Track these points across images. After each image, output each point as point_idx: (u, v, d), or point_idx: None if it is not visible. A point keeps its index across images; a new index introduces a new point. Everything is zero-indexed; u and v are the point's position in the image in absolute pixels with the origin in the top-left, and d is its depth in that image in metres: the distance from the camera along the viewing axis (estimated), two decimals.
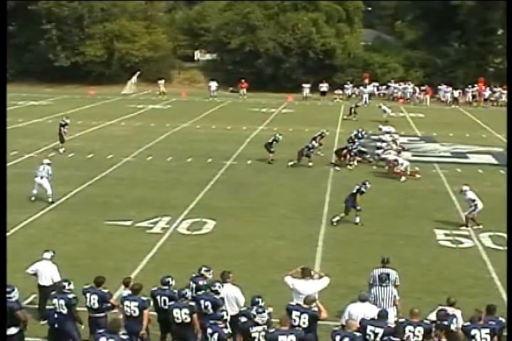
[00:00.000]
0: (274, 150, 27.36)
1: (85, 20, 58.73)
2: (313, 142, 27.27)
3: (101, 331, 10.06)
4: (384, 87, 54.77)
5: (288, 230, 18.79)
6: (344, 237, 18.28)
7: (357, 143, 27.91)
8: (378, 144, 29.04)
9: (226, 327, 10.38)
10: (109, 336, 9.80)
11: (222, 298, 11.22)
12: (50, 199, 20.90)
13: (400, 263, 14.19)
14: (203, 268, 12.11)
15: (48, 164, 21.40)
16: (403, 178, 25.09)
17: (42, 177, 20.95)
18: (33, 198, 21.05)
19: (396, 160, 25.61)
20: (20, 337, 10.81)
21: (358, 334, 10.02)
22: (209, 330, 10.40)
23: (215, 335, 10.26)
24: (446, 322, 10.58)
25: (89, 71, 57.89)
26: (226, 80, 56.46)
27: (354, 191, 19.64)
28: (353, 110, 41.44)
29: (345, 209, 19.44)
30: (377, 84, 54.87)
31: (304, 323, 10.50)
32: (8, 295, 10.75)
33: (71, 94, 53.54)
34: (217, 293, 11.19)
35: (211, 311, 11.00)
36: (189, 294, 11.13)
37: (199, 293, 11.40)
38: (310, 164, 26.63)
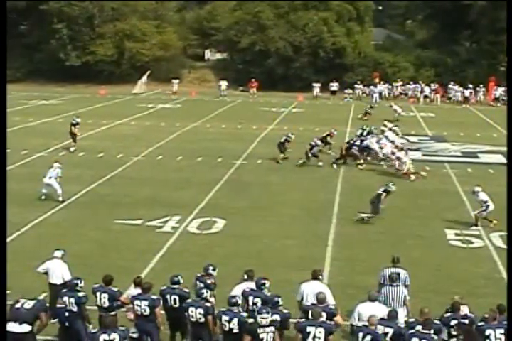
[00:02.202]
0: (287, 149, 27.25)
1: (96, 19, 58.89)
2: (316, 140, 27.14)
3: (94, 331, 10.12)
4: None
5: (298, 229, 18.79)
6: (354, 237, 18.26)
7: (357, 140, 27.76)
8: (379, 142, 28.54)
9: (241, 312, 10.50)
10: (109, 332, 9.80)
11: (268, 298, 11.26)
12: (60, 199, 20.98)
13: (410, 263, 14.16)
14: (210, 268, 12.10)
15: (59, 168, 21.48)
16: (413, 177, 25.04)
17: (50, 178, 21.03)
18: (43, 197, 21.13)
19: (397, 157, 25.74)
20: (32, 336, 10.81)
21: (401, 325, 9.96)
22: (225, 317, 10.45)
23: (235, 320, 10.34)
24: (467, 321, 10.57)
25: (100, 70, 58.03)
26: (236, 79, 56.48)
27: (380, 191, 19.54)
28: (367, 111, 41.39)
29: (373, 210, 19.30)
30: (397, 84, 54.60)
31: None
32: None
33: (81, 93, 53.69)
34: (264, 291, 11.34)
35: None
36: (206, 294, 11.15)
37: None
38: (320, 163, 26.59)
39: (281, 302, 10.85)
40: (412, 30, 73.42)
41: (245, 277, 11.76)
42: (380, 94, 51.89)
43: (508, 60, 46.37)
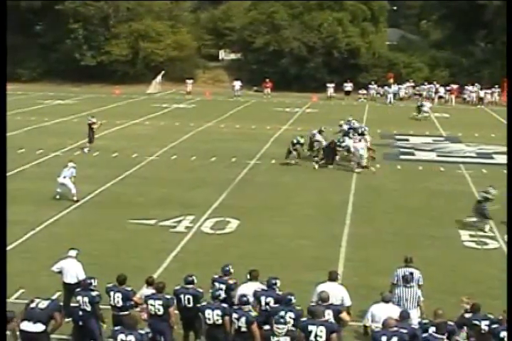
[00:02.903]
0: (295, 151, 26.86)
1: (111, 19, 59.15)
2: (298, 137, 26.90)
3: (117, 328, 10.09)
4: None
5: (311, 230, 18.74)
6: (368, 237, 18.18)
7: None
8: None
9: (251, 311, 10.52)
10: (128, 332, 9.83)
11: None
12: (75, 198, 21.03)
13: (424, 264, 14.08)
14: (230, 267, 12.05)
15: (73, 167, 21.51)
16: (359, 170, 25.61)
17: (64, 177, 21.08)
18: (57, 196, 21.20)
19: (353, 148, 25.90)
20: (45, 336, 10.84)
21: (404, 330, 9.91)
22: (235, 315, 10.46)
23: (243, 319, 10.34)
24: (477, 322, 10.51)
25: (115, 70, 58.23)
26: (250, 80, 56.52)
27: (480, 198, 19.34)
28: (420, 109, 41.49)
29: (483, 217, 18.94)
30: (412, 84, 54.40)
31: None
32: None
33: (96, 93, 53.88)
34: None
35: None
36: (223, 295, 11.14)
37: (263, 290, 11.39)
38: (293, 161, 26.60)
39: (294, 301, 10.82)
40: (426, 31, 73.18)
41: (248, 277, 11.72)
42: (395, 94, 51.73)
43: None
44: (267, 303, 11.15)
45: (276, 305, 10.89)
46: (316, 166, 26.39)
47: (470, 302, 11.22)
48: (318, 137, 27.18)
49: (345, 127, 29.63)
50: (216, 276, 12.00)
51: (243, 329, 10.50)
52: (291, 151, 26.63)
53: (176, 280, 11.96)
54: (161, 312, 11.02)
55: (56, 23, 58.07)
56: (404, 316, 10.47)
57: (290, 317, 10.51)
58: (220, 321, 10.79)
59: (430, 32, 71.72)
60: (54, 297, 12.85)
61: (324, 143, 27.02)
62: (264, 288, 11.45)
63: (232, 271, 12.02)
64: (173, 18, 62.63)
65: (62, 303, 11.90)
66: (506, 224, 18.01)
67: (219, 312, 10.78)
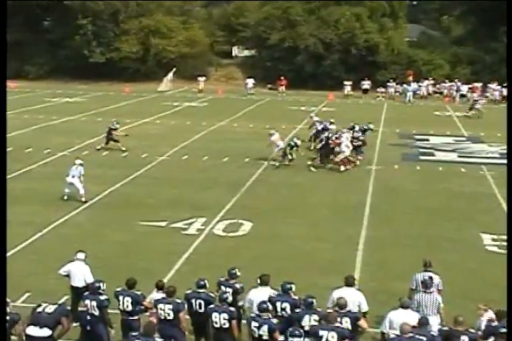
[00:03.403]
0: (290, 156, 26.73)
1: (121, 15, 59.33)
2: (295, 140, 26.88)
3: (135, 334, 10.11)
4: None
5: (327, 232, 18.73)
6: (386, 240, 18.14)
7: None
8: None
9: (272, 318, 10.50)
10: (145, 339, 9.85)
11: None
12: (83, 199, 21.11)
13: (445, 268, 14.04)
14: (236, 270, 12.04)
15: (81, 164, 21.57)
16: (343, 168, 25.83)
17: (73, 177, 21.15)
18: (65, 197, 21.29)
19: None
20: None
21: (423, 338, 9.87)
22: (254, 323, 10.43)
23: (264, 327, 10.32)
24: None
25: (125, 67, 58.42)
26: (264, 77, 56.50)
27: None
28: (473, 106, 41.61)
29: None
30: (431, 81, 54.21)
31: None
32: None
33: (105, 90, 54.09)
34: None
35: (289, 313, 11.06)
36: (230, 299, 11.15)
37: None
38: (287, 162, 26.58)
39: (315, 303, 10.85)
40: (448, 26, 72.85)
41: (259, 282, 11.67)
42: (414, 92, 51.57)
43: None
44: (282, 309, 11.14)
45: (299, 310, 10.89)
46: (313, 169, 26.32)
47: (487, 308, 11.17)
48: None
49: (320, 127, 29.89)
50: (222, 279, 11.99)
51: (265, 337, 10.46)
52: (286, 154, 26.52)
53: (187, 284, 11.98)
54: (171, 317, 11.04)
55: (64, 19, 58.33)
56: (423, 322, 10.43)
57: (315, 320, 10.55)
58: (227, 325, 10.80)
59: (451, 28, 71.38)
60: (61, 301, 12.93)
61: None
62: (277, 293, 11.44)
63: (238, 274, 12.00)
64: (185, 14, 62.77)
65: (69, 308, 11.93)
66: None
67: (226, 315, 10.79)
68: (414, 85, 52.63)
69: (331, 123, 30.23)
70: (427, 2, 76.42)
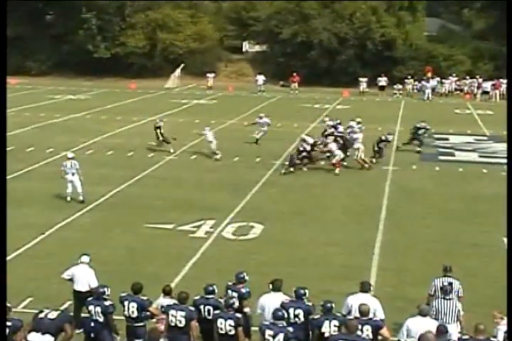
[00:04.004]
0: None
1: (127, 8, 59.47)
2: (304, 144, 26.38)
3: None
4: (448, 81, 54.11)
5: (341, 236, 18.71)
6: (403, 245, 18.11)
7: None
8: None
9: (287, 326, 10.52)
10: None
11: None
12: (80, 198, 21.17)
13: (465, 275, 14.00)
14: (244, 274, 12.05)
15: (73, 158, 21.69)
16: (337, 170, 25.79)
17: (73, 174, 21.25)
18: (68, 198, 21.35)
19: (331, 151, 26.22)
20: None
21: None
22: (269, 332, 10.40)
23: (280, 336, 10.29)
24: None
25: (131, 63, 58.57)
26: (276, 73, 56.51)
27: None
28: None
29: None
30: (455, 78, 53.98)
31: None
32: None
33: (111, 87, 54.22)
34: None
35: (302, 319, 11.08)
36: (237, 304, 11.17)
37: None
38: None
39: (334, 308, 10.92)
40: (469, 20, 72.54)
41: (271, 287, 11.66)
42: (433, 89, 51.45)
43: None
44: (295, 315, 11.15)
45: (318, 316, 10.90)
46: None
47: (503, 316, 11.13)
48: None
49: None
50: (230, 283, 11.99)
51: None
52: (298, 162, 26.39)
53: (194, 289, 11.98)
54: (182, 325, 11.03)
55: (68, 13, 58.47)
56: (442, 330, 10.39)
57: (335, 326, 10.61)
58: (232, 332, 10.81)
59: (473, 21, 71.12)
60: (65, 306, 12.97)
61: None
62: (290, 298, 11.45)
63: (247, 278, 12.00)
64: (194, 7, 62.82)
65: (72, 314, 11.98)
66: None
67: (232, 322, 10.80)
68: (433, 82, 52.51)
69: (358, 122, 30.15)
70: None
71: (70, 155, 21.97)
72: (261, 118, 31.99)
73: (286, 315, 10.80)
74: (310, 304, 11.23)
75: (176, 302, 11.21)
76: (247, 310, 11.66)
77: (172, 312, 11.06)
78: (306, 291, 11.44)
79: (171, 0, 61.43)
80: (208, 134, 28.25)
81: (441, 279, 12.39)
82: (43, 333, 10.56)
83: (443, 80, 53.30)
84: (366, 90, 52.40)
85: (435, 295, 12.15)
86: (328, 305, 10.88)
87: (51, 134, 32.73)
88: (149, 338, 10.07)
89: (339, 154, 26.12)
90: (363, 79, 52.56)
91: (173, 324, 11.06)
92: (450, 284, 12.07)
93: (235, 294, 11.69)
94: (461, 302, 12.09)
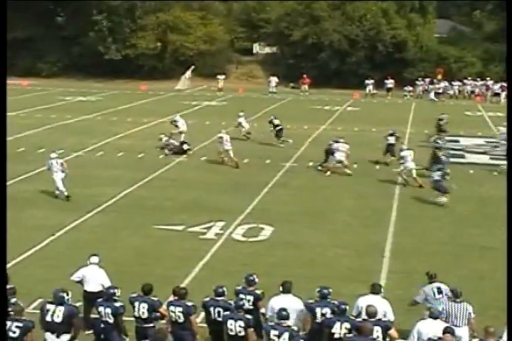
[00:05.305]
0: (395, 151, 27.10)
1: (137, 10, 59.56)
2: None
3: None
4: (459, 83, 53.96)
5: (351, 238, 18.68)
6: (413, 247, 18.06)
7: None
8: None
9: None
10: None
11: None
12: (57, 192, 21.85)
13: (475, 277, 13.99)
14: (254, 276, 12.04)
15: (57, 157, 22.24)
16: (328, 173, 25.95)
17: (57, 172, 21.82)
18: (65, 193, 21.73)
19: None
20: None
21: None
22: (274, 332, 10.45)
23: (285, 335, 10.33)
24: None
25: (141, 65, 58.73)
26: (287, 75, 56.51)
27: None
28: None
29: None
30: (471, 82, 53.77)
31: None
32: (66, 297, 11.03)
33: (121, 89, 54.37)
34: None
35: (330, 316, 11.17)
36: (247, 306, 11.17)
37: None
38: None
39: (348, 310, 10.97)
40: (480, 22, 72.34)
41: (281, 289, 11.65)
42: (444, 92, 51.32)
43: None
44: (323, 314, 11.19)
45: (331, 316, 10.94)
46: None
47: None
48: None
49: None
50: (239, 288, 11.92)
51: None
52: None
53: (204, 291, 12.01)
54: (181, 320, 11.13)
55: (79, 14, 58.71)
56: (450, 332, 10.38)
57: (346, 328, 10.64)
58: (242, 333, 10.83)
59: (484, 23, 70.91)
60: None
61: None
62: (297, 300, 11.48)
63: (257, 280, 12.01)
64: (204, 9, 62.90)
65: (82, 314, 12.01)
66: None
67: (242, 323, 10.82)
68: (443, 83, 52.36)
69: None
70: None
71: (54, 155, 22.41)
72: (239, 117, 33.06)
73: (312, 315, 10.96)
74: (336, 303, 11.26)
75: (176, 298, 11.30)
76: (263, 310, 11.68)
77: (171, 308, 11.20)
78: (330, 290, 11.46)
79: (181, 2, 61.47)
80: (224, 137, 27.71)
81: (431, 285, 12.39)
82: (58, 335, 10.81)
83: (452, 83, 53.14)
84: (373, 92, 52.25)
85: (427, 301, 12.14)
86: (343, 306, 10.93)
87: (62, 135, 32.82)
88: (155, 338, 10.08)
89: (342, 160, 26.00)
90: (369, 82, 52.43)
91: (173, 319, 11.19)
92: (439, 288, 12.07)
93: (249, 297, 11.70)
94: (472, 305, 12.01)
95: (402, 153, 24.90)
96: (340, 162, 26.08)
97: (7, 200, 16.95)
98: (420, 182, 24.28)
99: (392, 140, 27.83)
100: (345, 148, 26.32)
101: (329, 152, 26.52)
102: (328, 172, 26.12)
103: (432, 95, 50.29)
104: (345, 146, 26.41)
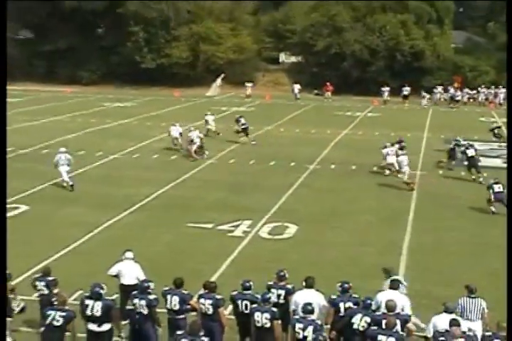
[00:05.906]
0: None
1: (171, 22, 59.75)
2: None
3: (180, 332, 10.17)
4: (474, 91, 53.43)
5: (372, 237, 18.56)
6: (430, 246, 17.89)
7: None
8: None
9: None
10: (190, 338, 9.89)
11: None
12: (65, 184, 22.67)
13: (490, 274, 13.80)
14: (285, 271, 12.00)
15: (66, 152, 22.92)
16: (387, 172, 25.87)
17: (62, 165, 22.51)
18: (70, 183, 22.62)
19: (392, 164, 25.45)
20: (110, 335, 11.08)
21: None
22: (299, 325, 10.43)
23: (309, 328, 10.31)
24: None
25: (175, 73, 58.88)
26: (310, 83, 56.39)
27: None
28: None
29: None
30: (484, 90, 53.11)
31: None
32: (102, 292, 11.08)
33: (156, 95, 54.57)
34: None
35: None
36: (273, 299, 11.15)
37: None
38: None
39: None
40: (494, 33, 71.70)
41: (304, 284, 11.62)
42: (452, 98, 50.89)
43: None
44: (346, 309, 11.17)
45: (354, 307, 10.90)
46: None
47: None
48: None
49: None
50: (271, 283, 11.90)
51: (309, 339, 10.44)
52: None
53: (232, 286, 11.97)
54: (210, 312, 11.15)
55: (117, 26, 59.08)
56: (454, 324, 10.28)
57: (366, 322, 10.59)
58: (268, 324, 10.81)
59: (497, 34, 70.25)
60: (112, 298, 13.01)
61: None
62: (319, 294, 11.43)
63: (287, 275, 11.96)
64: (234, 21, 62.95)
65: (119, 306, 12.05)
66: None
67: (268, 315, 10.80)
68: (451, 91, 51.85)
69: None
70: (473, 8, 75.35)
71: (63, 149, 23.19)
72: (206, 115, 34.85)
73: (336, 310, 10.97)
74: (357, 296, 11.24)
75: (206, 291, 11.33)
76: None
77: (201, 300, 11.23)
78: (351, 285, 11.42)
79: (212, 14, 61.55)
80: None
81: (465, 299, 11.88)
82: (99, 325, 10.93)
83: (464, 90, 52.63)
84: (388, 99, 51.68)
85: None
86: (368, 301, 10.89)
87: (101, 139, 32.99)
88: (190, 330, 10.08)
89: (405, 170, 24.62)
90: (385, 89, 51.86)
91: (203, 311, 11.21)
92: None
93: (281, 291, 11.67)
94: (485, 300, 11.85)
95: (399, 158, 24.76)
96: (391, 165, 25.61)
97: (45, 199, 17.02)
98: (412, 182, 24.33)
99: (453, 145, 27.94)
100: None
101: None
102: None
103: (423, 102, 50.04)
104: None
